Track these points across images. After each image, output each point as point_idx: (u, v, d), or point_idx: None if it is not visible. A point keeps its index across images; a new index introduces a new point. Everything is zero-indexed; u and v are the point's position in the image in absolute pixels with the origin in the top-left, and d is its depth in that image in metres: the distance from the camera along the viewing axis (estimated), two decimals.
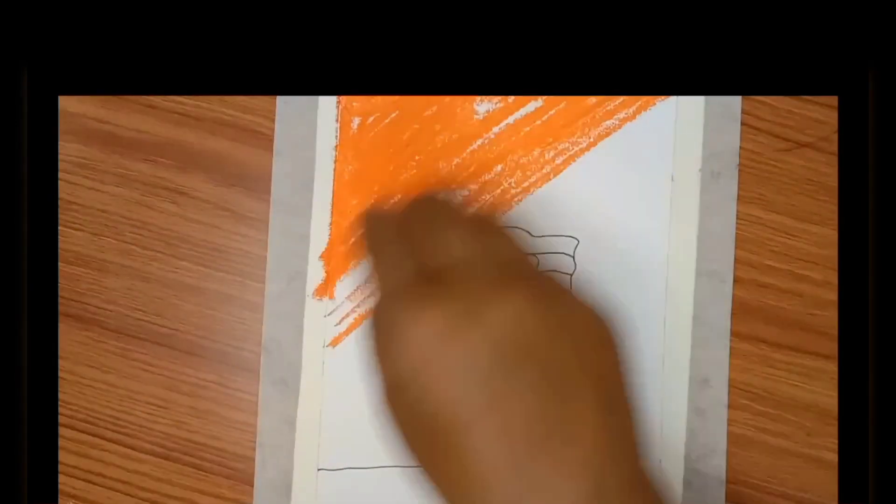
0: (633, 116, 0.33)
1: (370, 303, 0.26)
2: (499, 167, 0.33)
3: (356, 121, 0.33)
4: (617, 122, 0.33)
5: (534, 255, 0.28)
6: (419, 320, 0.23)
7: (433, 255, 0.25)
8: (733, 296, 0.33)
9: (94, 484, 0.33)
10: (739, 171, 0.34)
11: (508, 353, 0.23)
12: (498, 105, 0.33)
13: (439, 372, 0.23)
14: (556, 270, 0.33)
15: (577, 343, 0.24)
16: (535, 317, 0.23)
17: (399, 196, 0.33)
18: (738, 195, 0.34)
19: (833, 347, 0.33)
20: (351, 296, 0.33)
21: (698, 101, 0.33)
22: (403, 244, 0.26)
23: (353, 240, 0.32)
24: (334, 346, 0.33)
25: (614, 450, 0.23)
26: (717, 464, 0.33)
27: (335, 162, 0.33)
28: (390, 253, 0.26)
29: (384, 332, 0.24)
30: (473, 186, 0.33)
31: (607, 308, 0.25)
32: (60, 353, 0.33)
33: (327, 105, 0.33)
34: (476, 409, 0.23)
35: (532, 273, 0.26)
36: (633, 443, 0.24)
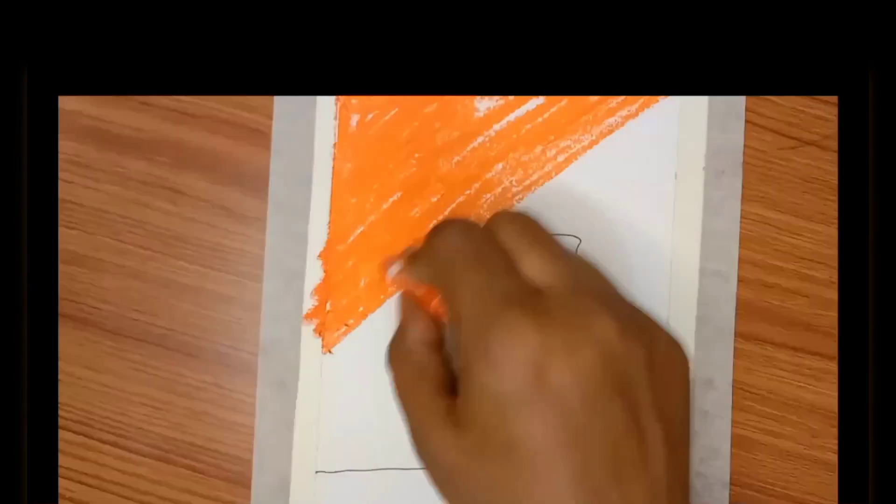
0: (636, 114, 0.35)
1: (451, 326, 0.27)
2: (500, 165, 0.35)
3: (355, 118, 0.34)
4: (619, 120, 0.35)
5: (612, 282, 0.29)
6: (519, 344, 0.24)
7: (521, 277, 0.26)
8: (737, 296, 0.35)
9: (90, 486, 0.34)
10: (744, 169, 0.35)
11: (608, 376, 0.24)
12: (499, 102, 0.34)
13: (531, 400, 0.24)
14: None
15: (657, 377, 0.25)
16: (624, 349, 0.25)
17: (398, 194, 0.34)
18: (743, 194, 0.35)
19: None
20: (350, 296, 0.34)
21: (702, 98, 0.34)
22: (484, 270, 0.27)
23: (406, 261, 0.32)
24: (333, 347, 0.34)
25: (674, 489, 0.25)
26: (721, 466, 0.34)
27: (334, 160, 0.34)
28: (470, 279, 0.27)
29: (479, 353, 0.25)
30: (475, 185, 0.34)
31: (684, 342, 0.27)
32: None
33: (326, 103, 0.34)
34: (558, 443, 0.24)
35: (618, 302, 0.27)
36: (686, 482, 0.26)
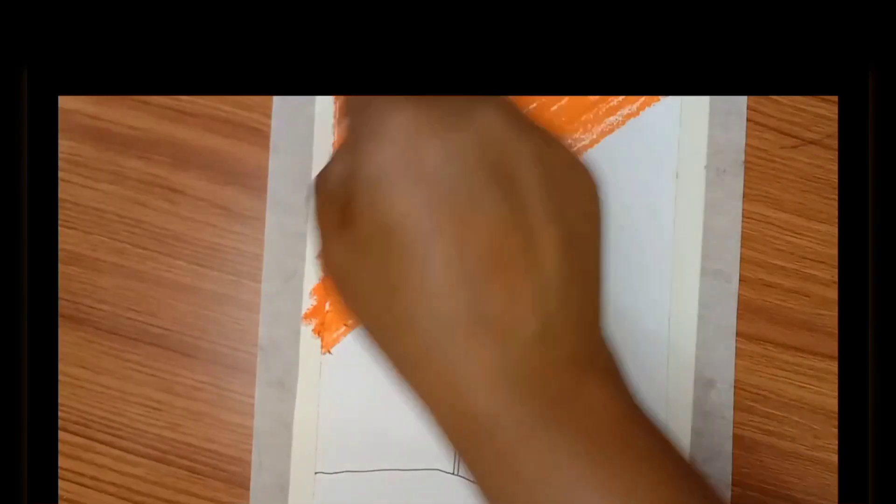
0: (637, 113, 0.35)
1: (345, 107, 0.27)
2: None
3: None
4: (620, 119, 0.35)
5: None
6: (403, 111, 0.24)
7: None
8: (739, 295, 0.35)
9: (88, 487, 0.35)
10: (745, 168, 0.35)
11: (486, 163, 0.24)
12: None
13: (404, 179, 0.23)
14: None
15: (552, 182, 0.25)
16: (506, 140, 0.24)
17: None
18: (744, 193, 0.35)
19: None
20: None
21: (703, 97, 0.35)
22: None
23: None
24: (332, 347, 0.35)
25: (569, 298, 0.24)
26: (723, 467, 0.35)
27: None
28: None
29: (362, 131, 0.24)
30: None
31: (599, 178, 0.27)
32: None
33: (325, 101, 0.35)
34: (433, 226, 0.23)
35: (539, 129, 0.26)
36: (594, 304, 0.26)
